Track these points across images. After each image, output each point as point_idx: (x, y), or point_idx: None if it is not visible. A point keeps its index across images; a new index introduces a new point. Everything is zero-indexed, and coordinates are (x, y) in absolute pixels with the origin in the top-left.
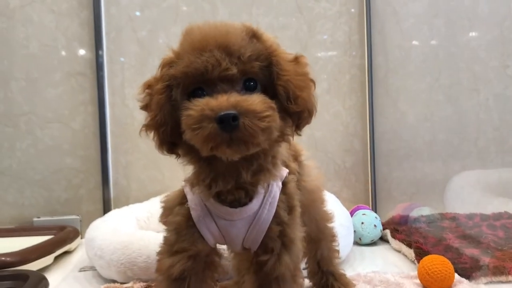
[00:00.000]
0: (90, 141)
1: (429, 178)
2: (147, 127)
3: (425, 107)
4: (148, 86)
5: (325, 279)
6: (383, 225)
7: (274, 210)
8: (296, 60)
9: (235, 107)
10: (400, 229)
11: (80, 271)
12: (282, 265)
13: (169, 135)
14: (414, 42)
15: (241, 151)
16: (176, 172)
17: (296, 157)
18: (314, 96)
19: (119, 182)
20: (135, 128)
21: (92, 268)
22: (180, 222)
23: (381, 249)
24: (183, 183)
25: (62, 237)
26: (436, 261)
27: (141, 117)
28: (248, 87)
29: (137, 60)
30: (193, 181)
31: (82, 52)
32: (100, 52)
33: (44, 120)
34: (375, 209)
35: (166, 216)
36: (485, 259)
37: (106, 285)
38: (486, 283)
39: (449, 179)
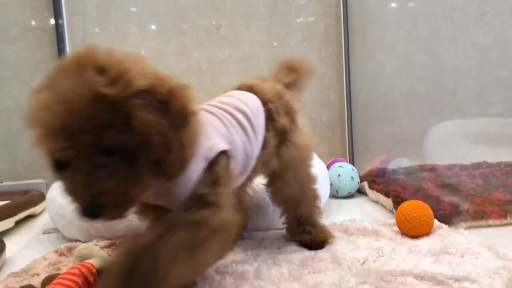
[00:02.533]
0: None
1: (407, 131)
2: None
3: (403, 58)
4: None
5: (302, 227)
6: (360, 178)
7: (189, 188)
8: None
9: None
10: (378, 181)
11: (44, 233)
12: (194, 216)
13: None
14: None
15: None
16: None
17: (289, 113)
18: None
19: None
20: None
21: (56, 230)
22: None
23: (359, 201)
24: None
25: (24, 201)
26: (415, 206)
27: None
28: None
29: (99, 12)
30: None
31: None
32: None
33: (2, 78)
34: (352, 164)
35: None
36: (465, 205)
37: (67, 244)
38: (466, 228)
39: (427, 131)
